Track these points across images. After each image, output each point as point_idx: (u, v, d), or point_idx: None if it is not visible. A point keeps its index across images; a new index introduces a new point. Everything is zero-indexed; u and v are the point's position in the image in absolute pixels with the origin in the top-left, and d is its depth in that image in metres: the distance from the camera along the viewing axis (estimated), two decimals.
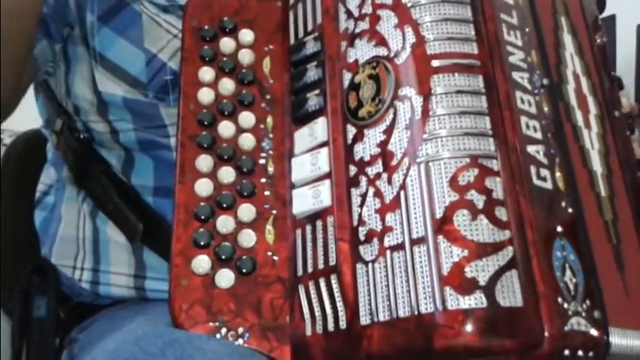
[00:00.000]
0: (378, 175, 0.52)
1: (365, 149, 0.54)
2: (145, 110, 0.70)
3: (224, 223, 0.59)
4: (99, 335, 0.68)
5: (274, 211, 0.60)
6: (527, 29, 0.57)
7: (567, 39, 0.62)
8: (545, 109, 0.54)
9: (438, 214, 0.47)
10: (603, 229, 0.53)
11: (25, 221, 0.71)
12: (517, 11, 0.57)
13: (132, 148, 0.72)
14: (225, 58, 0.66)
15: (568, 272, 0.47)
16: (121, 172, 0.72)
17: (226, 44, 0.67)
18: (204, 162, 0.61)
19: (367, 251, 0.51)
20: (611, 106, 0.62)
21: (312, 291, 0.54)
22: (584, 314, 0.46)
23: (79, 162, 0.73)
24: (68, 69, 0.74)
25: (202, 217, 0.59)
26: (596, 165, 0.57)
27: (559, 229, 0.49)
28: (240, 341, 0.55)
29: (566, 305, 0.46)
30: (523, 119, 0.52)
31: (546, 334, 0.44)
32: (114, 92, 0.70)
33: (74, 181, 0.73)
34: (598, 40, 0.67)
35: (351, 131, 0.56)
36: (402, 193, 0.49)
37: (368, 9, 0.58)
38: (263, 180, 0.62)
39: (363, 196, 0.52)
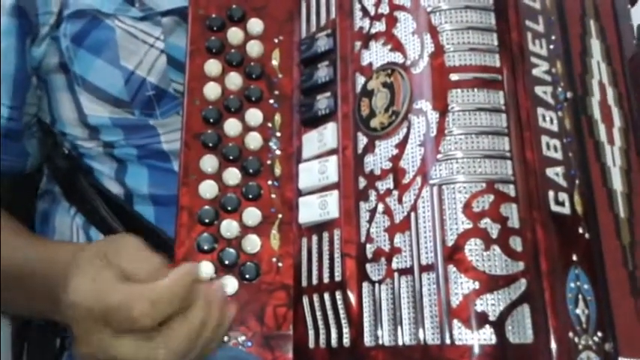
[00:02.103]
0: (389, 192, 0.50)
1: (376, 162, 0.52)
2: (135, 126, 0.69)
3: (228, 227, 0.57)
4: None
5: (280, 216, 0.59)
6: (553, 37, 0.54)
7: (595, 45, 0.58)
8: (567, 125, 0.51)
9: (450, 242, 0.45)
10: (620, 253, 0.52)
11: (23, 223, 0.70)
12: (543, 17, 0.54)
13: (126, 160, 0.70)
14: (232, 50, 0.63)
15: (581, 304, 0.46)
16: (115, 178, 0.70)
17: (234, 35, 0.64)
18: (209, 162, 0.59)
19: (374, 270, 0.49)
20: (638, 117, 0.59)
21: (317, 304, 0.53)
22: (594, 347, 0.45)
23: (67, 178, 0.71)
24: (50, 99, 0.72)
25: (206, 221, 0.57)
26: (617, 183, 0.54)
27: (574, 257, 0.47)
28: (242, 349, 0.55)
29: (577, 339, 0.44)
30: (544, 139, 0.49)
31: None
32: (100, 115, 0.68)
33: (65, 197, 0.72)
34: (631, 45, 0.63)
35: (362, 140, 0.53)
36: (412, 215, 0.47)
37: (385, 8, 0.54)
38: (269, 182, 0.60)
39: (372, 212, 0.51)
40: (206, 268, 0.56)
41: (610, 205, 0.52)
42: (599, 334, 0.46)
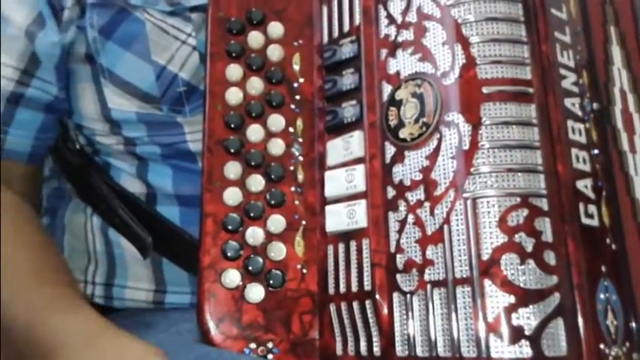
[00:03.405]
0: (420, 203, 0.50)
1: (405, 172, 0.52)
2: (161, 122, 0.67)
3: (253, 234, 0.58)
4: None
5: (304, 222, 0.59)
6: (579, 47, 0.54)
7: (615, 51, 0.59)
8: (594, 137, 0.52)
9: (485, 256, 0.45)
10: None
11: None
12: (570, 28, 0.54)
13: (148, 158, 0.69)
14: (253, 54, 0.62)
15: (610, 315, 0.47)
16: (136, 175, 0.69)
17: (254, 38, 0.63)
18: (233, 169, 0.59)
19: (405, 281, 0.50)
20: None
21: (345, 312, 0.54)
22: (623, 358, 0.46)
23: (79, 175, 0.70)
24: (69, 90, 0.70)
25: (231, 228, 0.57)
26: (639, 192, 0.55)
27: (603, 268, 0.48)
28: (270, 356, 0.55)
29: (607, 350, 0.46)
30: (573, 151, 0.50)
31: None
32: (126, 109, 0.67)
33: (78, 195, 0.71)
34: None
35: (390, 150, 0.53)
36: (445, 227, 0.48)
37: (413, 17, 0.54)
38: (292, 188, 0.60)
39: (402, 223, 0.51)
40: (232, 275, 0.56)
41: (634, 214, 0.53)
42: (627, 344, 0.47)
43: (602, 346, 0.45)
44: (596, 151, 0.52)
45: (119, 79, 0.66)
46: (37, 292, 0.59)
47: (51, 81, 0.67)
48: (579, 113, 0.52)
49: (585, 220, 0.48)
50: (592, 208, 0.49)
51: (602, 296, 0.47)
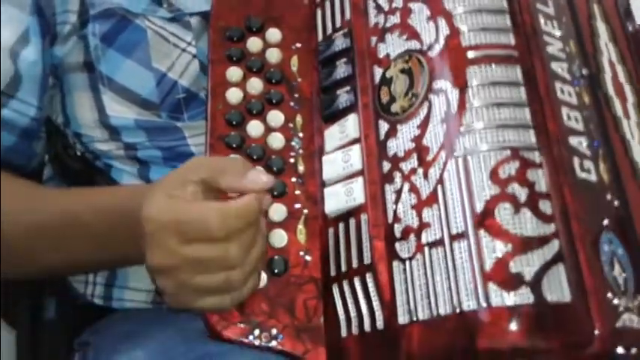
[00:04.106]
0: (413, 171, 0.50)
1: (399, 145, 0.52)
2: (160, 128, 0.68)
3: None
4: (116, 340, 0.66)
5: (305, 211, 0.59)
6: (563, 19, 0.55)
7: (601, 27, 0.60)
8: (586, 99, 0.52)
9: (479, 209, 0.45)
10: None
11: None
12: (553, 1, 0.56)
13: (150, 161, 0.70)
14: (252, 58, 0.65)
15: (617, 267, 0.45)
16: (138, 175, 0.70)
17: (253, 44, 0.66)
18: None
19: (404, 248, 0.49)
20: None
21: (347, 291, 0.53)
22: (635, 311, 0.44)
23: (81, 181, 0.70)
24: (64, 99, 0.71)
25: None
26: (638, 155, 0.54)
27: (605, 222, 0.47)
28: (274, 343, 0.54)
29: (616, 301, 0.44)
30: (564, 110, 0.50)
31: (597, 331, 0.42)
32: (125, 115, 0.68)
33: None
34: (630, 28, 0.65)
35: (384, 127, 0.54)
36: (439, 188, 0.48)
37: (399, 3, 0.57)
38: (293, 179, 0.61)
39: (398, 193, 0.51)
40: None
41: (634, 175, 0.52)
42: (639, 298, 0.45)
43: (609, 295, 0.44)
44: (588, 113, 0.52)
45: (119, 86, 0.67)
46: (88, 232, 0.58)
47: (30, 102, 0.68)
48: (568, 77, 0.52)
49: (581, 174, 0.48)
50: (588, 164, 0.49)
51: (606, 248, 0.45)
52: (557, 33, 0.54)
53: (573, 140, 0.49)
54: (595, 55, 0.57)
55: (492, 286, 0.43)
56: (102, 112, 0.69)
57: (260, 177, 0.52)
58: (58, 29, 0.68)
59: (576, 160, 0.48)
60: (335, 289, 0.54)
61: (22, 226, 0.60)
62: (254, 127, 0.63)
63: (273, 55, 0.66)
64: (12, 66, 0.66)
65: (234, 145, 0.61)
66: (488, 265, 0.43)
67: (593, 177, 0.48)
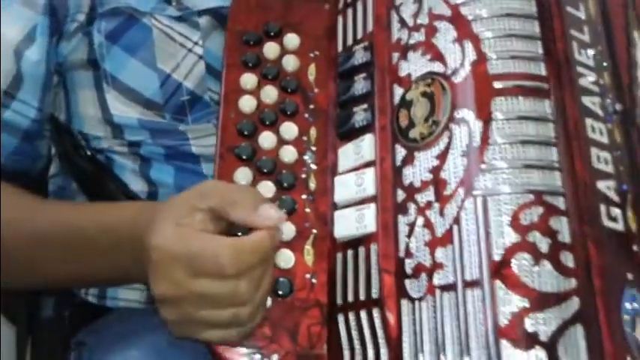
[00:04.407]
0: (429, 204, 0.48)
1: (415, 174, 0.50)
2: (164, 130, 0.67)
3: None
4: (112, 340, 0.66)
5: (314, 231, 0.57)
6: (599, 47, 0.52)
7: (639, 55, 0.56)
8: (618, 138, 0.49)
9: (496, 256, 0.43)
10: None
11: None
12: (589, 27, 0.52)
13: (151, 158, 0.69)
14: (268, 64, 0.63)
15: (639, 327, 0.43)
16: (139, 172, 0.69)
17: (270, 49, 0.63)
18: (243, 175, 0.58)
19: (414, 287, 0.47)
20: None
21: (352, 323, 0.51)
22: None
23: (93, 182, 0.69)
24: (68, 96, 0.70)
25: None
26: None
27: (630, 276, 0.44)
28: None
29: None
30: (593, 151, 0.47)
31: None
32: (128, 115, 0.66)
33: (89, 200, 0.70)
34: None
35: (401, 152, 0.52)
36: (455, 228, 0.45)
37: (424, 19, 0.53)
38: (304, 196, 0.58)
39: (411, 226, 0.49)
40: None
41: None
42: None
43: (629, 359, 0.41)
44: (619, 153, 0.48)
45: (122, 85, 0.66)
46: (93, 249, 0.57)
47: (31, 103, 0.67)
48: (600, 113, 0.49)
49: (608, 223, 0.45)
50: (615, 212, 0.46)
51: (628, 306, 0.43)
52: (592, 63, 0.51)
53: (601, 184, 0.46)
54: (631, 86, 0.53)
55: (505, 343, 0.41)
56: (105, 110, 0.67)
57: (272, 213, 0.49)
58: (65, 28, 0.67)
59: (603, 207, 0.45)
60: (340, 319, 0.52)
61: (23, 237, 0.58)
62: (266, 139, 0.60)
63: (290, 63, 0.63)
64: (14, 65, 0.65)
65: (244, 157, 0.59)
66: (503, 319, 0.41)
67: (619, 226, 0.46)
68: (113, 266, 0.56)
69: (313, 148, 0.61)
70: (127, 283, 0.65)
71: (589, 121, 0.48)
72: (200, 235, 0.47)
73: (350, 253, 0.53)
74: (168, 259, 0.46)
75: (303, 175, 0.59)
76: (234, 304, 0.47)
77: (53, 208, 0.62)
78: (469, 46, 0.49)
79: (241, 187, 0.55)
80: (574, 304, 0.41)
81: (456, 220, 0.45)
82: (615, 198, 0.46)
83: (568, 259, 0.42)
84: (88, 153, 0.69)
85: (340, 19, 0.63)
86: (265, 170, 0.59)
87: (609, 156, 0.48)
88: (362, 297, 0.51)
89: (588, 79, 0.49)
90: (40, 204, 0.62)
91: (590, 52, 0.51)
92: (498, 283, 0.42)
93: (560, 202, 0.44)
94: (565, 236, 0.43)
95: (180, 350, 0.58)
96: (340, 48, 0.62)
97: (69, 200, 0.73)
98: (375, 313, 0.49)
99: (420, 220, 0.48)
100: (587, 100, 0.49)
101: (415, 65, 0.53)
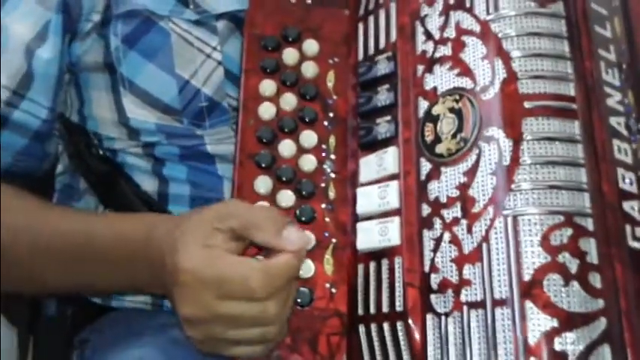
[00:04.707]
0: (456, 221, 0.48)
1: (441, 189, 0.50)
2: (181, 134, 0.66)
3: None
4: (114, 339, 0.65)
5: (334, 240, 0.57)
6: (624, 66, 0.53)
7: None
8: None
9: (526, 276, 0.43)
10: None
11: None
12: (615, 46, 0.52)
13: (165, 159, 0.68)
14: (287, 71, 0.62)
15: None
16: (151, 170, 0.68)
17: (289, 55, 0.63)
18: (263, 183, 0.58)
19: (440, 302, 0.48)
20: None
21: (375, 334, 0.51)
22: None
23: (105, 183, 0.68)
24: (82, 97, 0.68)
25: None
26: None
27: None
28: None
29: None
30: (619, 171, 0.48)
31: None
32: (146, 119, 0.66)
33: (101, 202, 0.69)
34: None
35: (426, 167, 0.52)
36: (484, 246, 0.46)
37: (451, 33, 0.53)
38: (323, 205, 0.59)
39: (437, 241, 0.49)
40: None
41: None
42: None
43: None
44: None
45: (140, 90, 0.65)
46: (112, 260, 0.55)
47: (42, 103, 0.65)
48: (625, 133, 0.50)
49: (633, 243, 0.46)
50: (639, 231, 0.47)
51: None
52: (617, 83, 0.51)
53: (626, 205, 0.47)
54: None
55: None
56: (122, 113, 0.66)
57: (298, 237, 0.50)
58: (79, 27, 0.65)
59: (628, 228, 0.46)
60: (361, 330, 0.53)
61: (23, 244, 0.57)
62: (285, 147, 0.60)
63: (309, 69, 0.63)
64: (25, 63, 0.63)
65: (263, 165, 0.59)
66: (532, 339, 0.42)
67: None
68: (124, 277, 0.55)
69: (332, 157, 0.61)
70: (135, 294, 0.65)
71: (616, 142, 0.48)
72: (229, 258, 0.48)
73: (372, 264, 0.53)
74: (197, 283, 0.46)
75: (323, 184, 0.59)
76: (262, 325, 0.48)
77: (58, 215, 0.60)
78: (499, 63, 0.49)
79: (262, 208, 0.55)
80: (601, 324, 0.42)
81: (485, 239, 0.46)
82: (639, 218, 0.47)
83: (596, 280, 0.43)
84: (101, 152, 0.68)
85: (361, 26, 0.63)
86: (285, 179, 0.59)
87: (634, 176, 0.48)
88: (385, 309, 0.51)
89: (615, 99, 0.50)
90: (45, 210, 0.61)
91: (616, 71, 0.51)
92: (528, 302, 0.43)
93: (588, 223, 0.45)
94: (593, 257, 0.44)
95: (184, 350, 0.58)
96: (361, 56, 0.62)
97: (76, 198, 0.72)
98: (399, 325, 0.49)
99: (447, 236, 0.48)
100: (613, 121, 0.49)
101: (442, 79, 0.53)
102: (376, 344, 0.51)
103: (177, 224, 0.51)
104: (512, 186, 0.46)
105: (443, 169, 0.50)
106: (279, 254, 0.49)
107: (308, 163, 0.60)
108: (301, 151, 0.60)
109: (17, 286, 0.60)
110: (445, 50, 0.53)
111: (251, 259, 0.49)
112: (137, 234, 0.54)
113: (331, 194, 0.59)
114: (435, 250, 0.49)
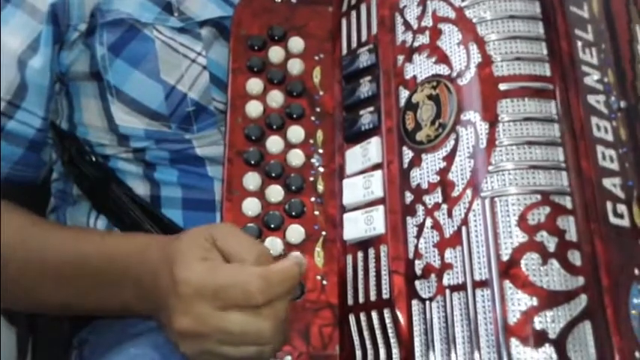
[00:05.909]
0: (437, 206, 0.48)
1: (422, 176, 0.50)
2: (170, 138, 0.67)
3: (272, 245, 0.57)
4: (113, 339, 0.66)
5: (324, 233, 0.58)
6: (603, 45, 0.52)
7: None
8: (623, 135, 0.50)
9: (505, 256, 0.43)
10: None
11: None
12: (592, 26, 0.52)
13: (156, 163, 0.69)
14: (274, 69, 0.63)
15: None
16: (143, 174, 0.69)
17: (275, 53, 0.64)
18: (252, 179, 0.59)
19: (424, 287, 0.48)
20: None
21: (364, 323, 0.52)
22: None
23: (97, 188, 0.69)
24: (72, 105, 0.70)
25: None
26: None
27: (636, 272, 0.45)
28: None
29: None
30: (599, 149, 0.47)
31: None
32: (134, 126, 0.67)
33: (94, 207, 0.70)
34: None
35: (408, 155, 0.52)
36: (463, 229, 0.46)
37: (428, 22, 0.54)
38: (312, 199, 0.59)
39: (420, 227, 0.49)
40: None
41: None
42: None
43: (637, 354, 0.42)
44: (624, 150, 0.49)
45: (127, 97, 0.66)
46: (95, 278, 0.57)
47: (36, 112, 0.66)
48: (604, 111, 0.49)
49: (614, 220, 0.45)
50: (621, 208, 0.46)
51: (635, 301, 0.43)
52: (596, 62, 0.51)
53: (607, 182, 0.47)
54: (635, 82, 0.54)
55: (515, 341, 0.41)
56: (111, 120, 0.68)
57: (294, 255, 0.51)
58: (66, 37, 0.66)
59: (609, 204, 0.46)
60: (352, 320, 0.53)
61: (19, 259, 0.58)
62: (274, 143, 0.61)
63: (295, 66, 0.64)
64: (18, 74, 0.65)
65: (252, 162, 0.60)
66: (512, 318, 0.42)
67: (625, 222, 0.46)
68: (114, 296, 0.56)
69: (320, 151, 0.61)
70: (126, 316, 0.64)
71: (594, 120, 0.48)
72: (228, 268, 0.48)
73: (360, 254, 0.54)
74: (196, 294, 0.46)
75: (311, 178, 0.60)
76: (257, 344, 0.47)
77: (52, 232, 0.62)
78: (474, 48, 0.49)
79: (249, 242, 0.52)
80: (582, 301, 0.42)
81: (464, 222, 0.46)
82: (621, 195, 0.47)
83: (576, 258, 0.43)
84: (93, 159, 0.70)
85: (344, 22, 0.63)
86: (274, 174, 0.59)
87: (614, 153, 0.48)
88: (373, 298, 0.51)
89: (593, 78, 0.50)
90: (39, 226, 0.62)
91: (594, 50, 0.51)
92: (507, 282, 0.43)
93: (567, 202, 0.44)
94: (572, 235, 0.44)
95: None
96: (345, 50, 0.62)
97: (70, 202, 0.73)
98: (386, 313, 0.50)
99: (429, 222, 0.49)
100: (592, 99, 0.49)
101: (420, 68, 0.53)
102: (365, 333, 0.52)
103: (169, 243, 0.51)
104: (490, 168, 0.46)
105: (423, 155, 0.51)
106: (279, 261, 0.49)
107: (296, 158, 0.61)
108: (289, 146, 0.61)
109: (14, 302, 0.62)
110: (423, 39, 0.54)
111: (249, 267, 0.48)
112: (130, 254, 0.55)
113: (320, 188, 0.60)
114: (418, 237, 0.49)
